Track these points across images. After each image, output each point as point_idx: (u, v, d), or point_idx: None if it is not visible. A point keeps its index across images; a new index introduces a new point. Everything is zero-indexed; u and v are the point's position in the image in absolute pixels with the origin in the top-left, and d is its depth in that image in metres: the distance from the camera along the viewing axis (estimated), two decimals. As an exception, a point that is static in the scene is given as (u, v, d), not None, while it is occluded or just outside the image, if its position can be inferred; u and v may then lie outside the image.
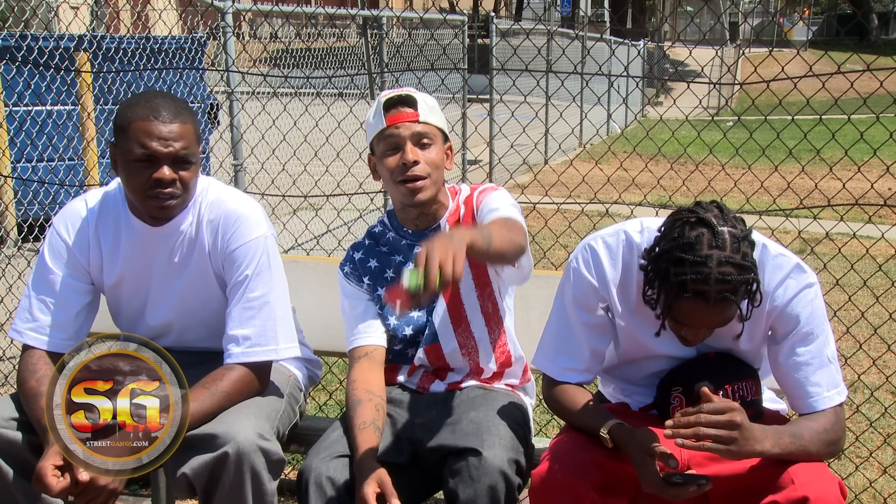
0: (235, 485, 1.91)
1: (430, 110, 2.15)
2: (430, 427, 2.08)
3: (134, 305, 2.23)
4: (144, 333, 2.24)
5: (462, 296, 2.21)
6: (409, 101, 2.12)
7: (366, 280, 2.26)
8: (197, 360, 2.20)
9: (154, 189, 1.99)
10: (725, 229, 1.71)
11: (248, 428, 1.93)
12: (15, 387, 3.95)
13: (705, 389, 1.75)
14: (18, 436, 1.98)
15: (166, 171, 1.98)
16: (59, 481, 1.80)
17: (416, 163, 2.09)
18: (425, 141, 2.12)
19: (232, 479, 1.90)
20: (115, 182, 2.21)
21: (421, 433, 2.08)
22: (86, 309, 2.18)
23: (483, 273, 2.22)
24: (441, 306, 2.21)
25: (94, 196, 2.20)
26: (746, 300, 1.77)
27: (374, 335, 2.22)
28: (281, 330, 2.13)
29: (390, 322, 2.24)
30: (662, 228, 1.81)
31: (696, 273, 1.68)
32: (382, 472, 1.91)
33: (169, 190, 2.00)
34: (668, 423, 1.72)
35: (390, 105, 2.12)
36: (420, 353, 2.23)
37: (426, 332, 2.22)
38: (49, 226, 2.19)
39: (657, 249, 1.79)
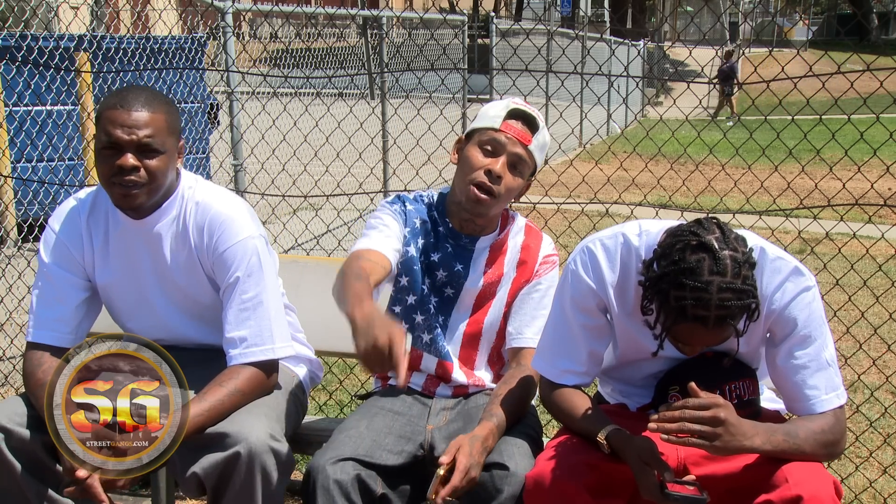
0: (246, 485, 1.92)
1: (541, 146, 2.16)
2: (443, 433, 2.08)
3: (127, 304, 2.23)
4: (141, 332, 2.23)
5: (481, 340, 2.24)
6: (532, 124, 2.13)
7: (406, 228, 2.22)
8: (200, 358, 2.20)
9: (118, 176, 1.99)
10: (727, 253, 1.70)
11: (260, 428, 1.94)
12: (16, 387, 3.96)
13: (692, 385, 1.75)
14: (29, 434, 1.98)
15: (129, 159, 1.98)
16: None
17: (499, 178, 2.09)
18: (518, 166, 2.13)
19: (243, 479, 1.91)
20: None
21: (433, 439, 2.08)
22: (85, 304, 2.18)
23: (503, 329, 2.24)
24: (456, 339, 2.23)
25: (86, 192, 2.21)
26: (744, 316, 1.77)
27: (386, 249, 2.14)
28: (276, 329, 2.13)
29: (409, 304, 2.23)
30: (663, 245, 1.79)
31: (696, 299, 1.67)
32: (399, 327, 1.79)
33: (131, 178, 2.00)
34: (653, 417, 1.72)
35: (515, 115, 2.12)
36: (430, 360, 2.22)
37: (441, 348, 2.22)
38: (46, 225, 2.20)
39: (656, 268, 1.77)
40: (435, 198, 2.27)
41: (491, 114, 2.14)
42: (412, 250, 2.21)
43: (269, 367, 2.13)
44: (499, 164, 2.09)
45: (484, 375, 2.26)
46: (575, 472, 1.82)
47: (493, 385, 2.26)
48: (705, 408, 1.71)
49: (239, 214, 2.14)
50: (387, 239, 2.16)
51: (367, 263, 2.05)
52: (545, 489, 1.82)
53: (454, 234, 2.22)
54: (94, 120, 2.06)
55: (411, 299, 2.23)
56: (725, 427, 1.71)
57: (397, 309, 2.24)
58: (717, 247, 1.70)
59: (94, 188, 2.22)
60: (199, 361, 2.17)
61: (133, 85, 2.14)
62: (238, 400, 2.02)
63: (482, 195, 2.09)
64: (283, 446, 1.98)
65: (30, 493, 1.99)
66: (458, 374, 2.23)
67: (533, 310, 2.21)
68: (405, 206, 2.24)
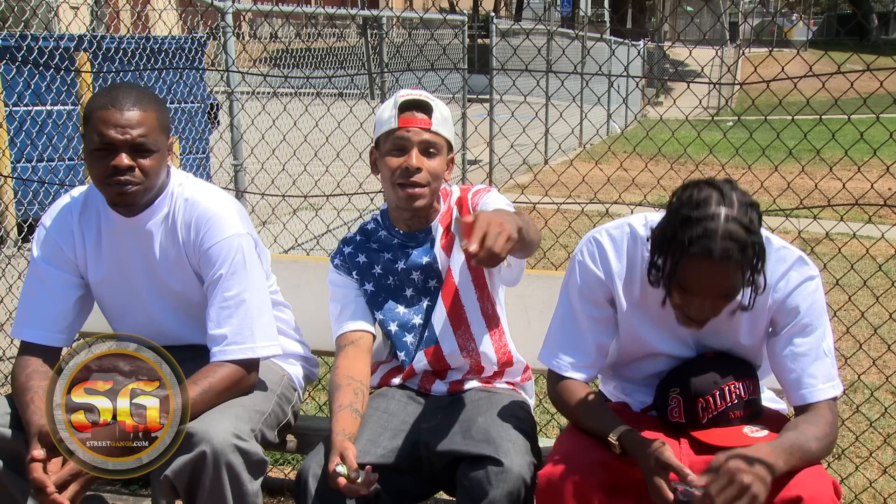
0: (215, 485, 1.90)
1: (443, 121, 2.17)
2: (438, 431, 2.07)
3: (119, 302, 2.23)
4: (131, 330, 2.23)
5: (462, 297, 2.21)
6: (425, 108, 2.14)
7: (354, 274, 2.27)
8: (190, 356, 2.20)
9: (112, 177, 2.00)
10: (735, 194, 1.72)
11: (225, 428, 1.92)
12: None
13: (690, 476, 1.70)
14: (11, 433, 1.99)
15: (123, 159, 1.99)
16: (46, 476, 1.81)
17: (418, 170, 2.11)
18: (432, 150, 2.14)
19: (211, 479, 1.90)
20: None
21: (427, 437, 2.07)
22: (78, 302, 2.19)
23: (481, 274, 2.22)
24: (440, 308, 2.20)
25: (78, 190, 2.21)
26: (750, 288, 1.76)
27: (360, 321, 2.23)
28: (258, 328, 2.12)
29: (390, 329, 2.25)
30: (673, 199, 1.80)
31: (702, 229, 1.68)
32: (346, 449, 1.92)
33: (126, 177, 2.00)
34: None
35: (405, 107, 2.14)
36: (420, 356, 2.22)
37: (425, 335, 2.22)
38: (38, 223, 2.20)
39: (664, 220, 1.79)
40: (379, 216, 2.32)
41: (385, 117, 2.17)
42: (370, 287, 2.25)
43: (248, 366, 2.11)
44: (413, 158, 2.11)
45: (487, 349, 2.23)
46: (589, 471, 1.81)
47: (493, 370, 2.25)
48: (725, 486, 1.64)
49: (226, 212, 2.14)
50: (354, 308, 2.24)
51: (353, 383, 2.12)
52: (559, 488, 1.81)
53: (409, 237, 2.25)
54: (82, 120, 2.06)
55: (393, 328, 2.25)
56: (753, 484, 1.63)
57: (387, 349, 2.30)
58: (725, 187, 1.72)
59: (86, 186, 2.22)
60: (189, 359, 2.18)
61: (121, 83, 2.13)
62: (211, 398, 2.00)
63: (412, 190, 2.12)
64: (251, 445, 1.96)
65: (14, 491, 2.00)
66: (453, 358, 2.21)
67: (491, 203, 2.15)
68: (344, 255, 2.29)
